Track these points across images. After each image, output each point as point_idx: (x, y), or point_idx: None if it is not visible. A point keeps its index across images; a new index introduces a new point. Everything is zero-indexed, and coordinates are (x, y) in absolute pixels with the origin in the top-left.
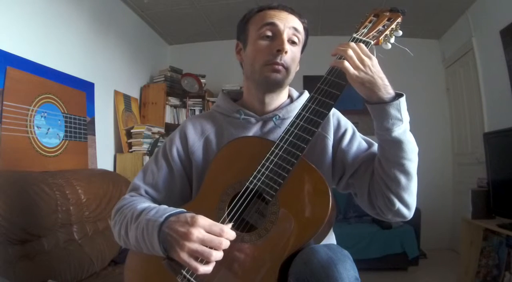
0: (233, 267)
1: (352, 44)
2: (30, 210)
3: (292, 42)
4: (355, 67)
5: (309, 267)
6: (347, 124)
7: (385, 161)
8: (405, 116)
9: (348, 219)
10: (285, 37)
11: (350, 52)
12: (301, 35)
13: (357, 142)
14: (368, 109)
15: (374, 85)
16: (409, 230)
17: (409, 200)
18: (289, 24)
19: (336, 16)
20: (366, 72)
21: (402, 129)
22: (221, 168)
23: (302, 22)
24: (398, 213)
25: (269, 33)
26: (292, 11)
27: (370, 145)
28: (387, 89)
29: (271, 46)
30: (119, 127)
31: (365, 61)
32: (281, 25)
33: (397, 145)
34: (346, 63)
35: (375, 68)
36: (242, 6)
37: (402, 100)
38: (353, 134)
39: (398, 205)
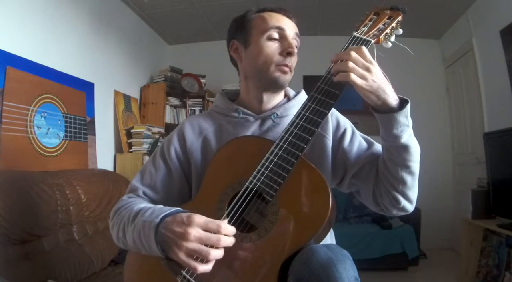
0: (233, 267)
1: (352, 53)
2: (30, 210)
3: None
4: (361, 76)
5: (309, 267)
6: (346, 124)
7: (392, 164)
8: (410, 121)
9: (348, 219)
10: (292, 41)
11: (351, 64)
12: (299, 40)
13: (358, 141)
14: (376, 117)
15: (383, 92)
16: (409, 230)
17: (413, 196)
18: (293, 30)
19: (336, 16)
20: (374, 80)
21: (409, 134)
22: (221, 168)
23: (297, 29)
24: (403, 209)
25: (277, 36)
26: (291, 17)
27: (370, 144)
28: (393, 95)
29: (281, 48)
30: (119, 127)
31: (370, 68)
32: (288, 30)
33: (405, 149)
34: (353, 76)
35: (379, 74)
36: (242, 6)
37: (409, 106)
38: (353, 133)
39: (404, 202)
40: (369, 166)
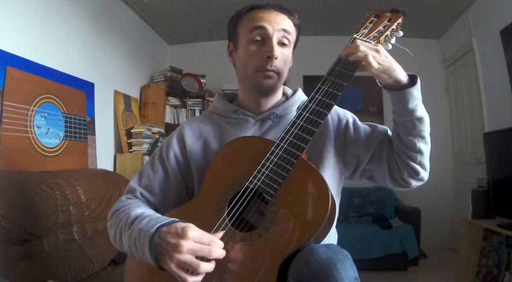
0: (233, 267)
1: (360, 41)
2: (30, 210)
3: (282, 44)
4: (374, 57)
5: (308, 267)
6: (346, 114)
7: (409, 137)
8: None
9: (348, 219)
10: (275, 41)
11: (363, 47)
12: (292, 35)
13: (362, 127)
14: (390, 95)
15: (394, 71)
16: (409, 230)
17: (428, 164)
18: (279, 26)
19: (336, 16)
20: (384, 60)
21: (421, 107)
22: (222, 168)
23: (292, 20)
24: (422, 179)
25: (258, 38)
26: (281, 10)
27: (373, 127)
28: (402, 72)
29: (261, 52)
30: (119, 127)
31: (379, 50)
32: (270, 28)
33: (420, 121)
34: (370, 57)
35: (387, 54)
36: (242, 6)
37: (419, 81)
38: (355, 121)
39: (422, 172)
40: (380, 146)
